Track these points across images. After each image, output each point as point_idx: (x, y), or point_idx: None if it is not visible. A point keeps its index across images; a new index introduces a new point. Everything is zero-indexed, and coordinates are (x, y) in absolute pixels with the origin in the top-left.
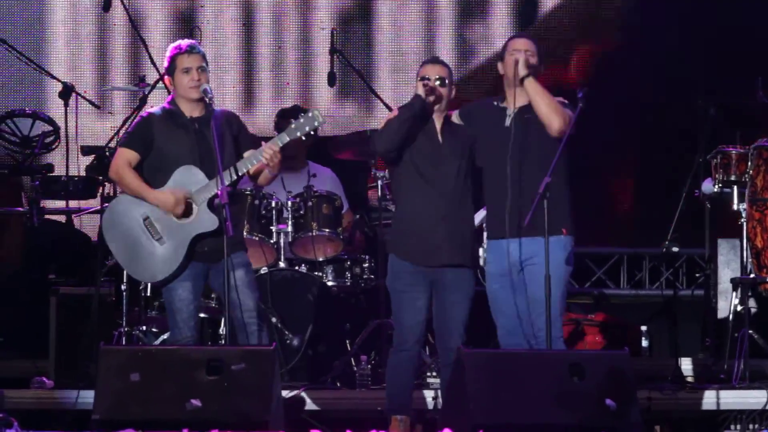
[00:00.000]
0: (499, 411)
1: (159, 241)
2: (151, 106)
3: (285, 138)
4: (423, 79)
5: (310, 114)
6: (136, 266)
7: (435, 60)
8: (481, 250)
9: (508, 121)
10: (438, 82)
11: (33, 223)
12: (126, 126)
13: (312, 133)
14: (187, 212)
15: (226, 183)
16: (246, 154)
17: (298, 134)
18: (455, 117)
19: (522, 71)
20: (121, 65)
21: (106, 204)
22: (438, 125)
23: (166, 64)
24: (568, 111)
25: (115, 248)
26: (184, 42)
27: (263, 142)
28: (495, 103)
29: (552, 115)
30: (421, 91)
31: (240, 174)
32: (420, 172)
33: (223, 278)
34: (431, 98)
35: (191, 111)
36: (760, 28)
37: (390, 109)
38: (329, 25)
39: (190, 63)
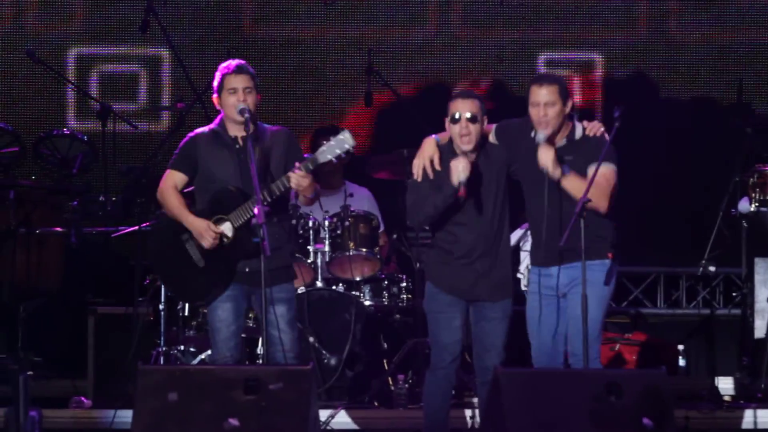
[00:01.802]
0: (536, 430)
1: (198, 262)
2: (189, 127)
3: (316, 161)
4: (454, 119)
5: (341, 136)
6: (176, 286)
7: (465, 94)
8: (522, 267)
9: None
10: (471, 118)
11: (71, 244)
12: (164, 147)
13: (343, 156)
14: (221, 239)
15: (263, 203)
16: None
17: (329, 157)
18: (492, 136)
19: (555, 174)
20: (159, 85)
21: (144, 224)
22: (473, 158)
23: (215, 83)
24: (611, 169)
25: (156, 266)
26: (234, 62)
27: (297, 163)
28: (532, 134)
29: (597, 203)
30: (455, 183)
31: (272, 197)
32: (456, 209)
33: (263, 301)
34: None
35: (238, 131)
36: None
37: (427, 129)
38: (366, 44)
39: (236, 84)
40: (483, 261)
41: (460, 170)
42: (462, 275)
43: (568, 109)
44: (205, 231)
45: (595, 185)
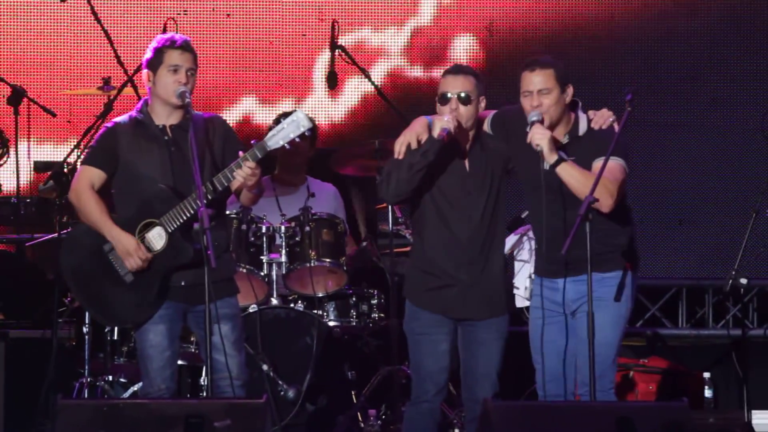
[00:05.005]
0: None
1: (126, 276)
2: (119, 115)
3: (264, 149)
4: (443, 99)
5: (293, 117)
6: (99, 307)
7: (458, 70)
8: (516, 280)
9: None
10: (462, 97)
11: None
12: (88, 138)
13: (297, 140)
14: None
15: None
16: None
17: (281, 143)
18: (486, 125)
19: (550, 158)
20: (81, 65)
21: (65, 231)
22: (465, 146)
23: (149, 55)
24: (618, 164)
25: (74, 285)
26: (179, 36)
27: (240, 153)
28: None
29: (599, 200)
30: (437, 134)
31: (212, 196)
32: (439, 210)
33: (203, 322)
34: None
35: (166, 118)
36: None
37: (401, 116)
38: (330, 16)
39: (180, 61)
40: (472, 270)
41: (444, 120)
42: (446, 289)
43: (568, 98)
44: (134, 251)
45: (590, 181)
